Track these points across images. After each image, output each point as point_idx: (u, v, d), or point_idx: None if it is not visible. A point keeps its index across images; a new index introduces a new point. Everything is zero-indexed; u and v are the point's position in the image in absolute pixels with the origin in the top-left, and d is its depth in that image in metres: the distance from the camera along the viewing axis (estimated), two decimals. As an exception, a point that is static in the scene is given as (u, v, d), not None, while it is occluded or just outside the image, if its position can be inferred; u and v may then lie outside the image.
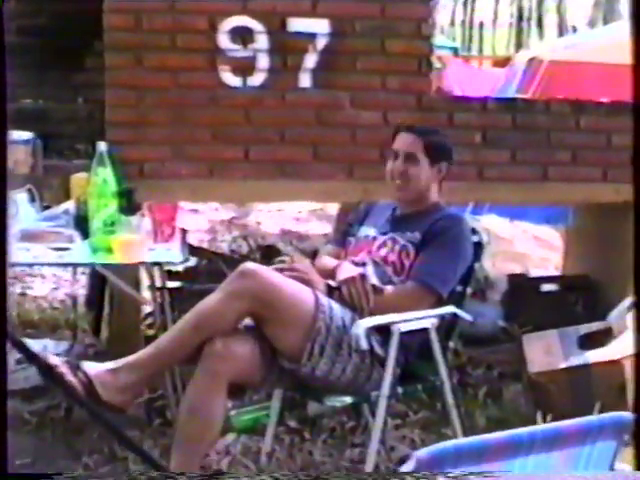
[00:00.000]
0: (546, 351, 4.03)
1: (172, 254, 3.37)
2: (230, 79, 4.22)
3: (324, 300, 3.11)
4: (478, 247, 3.43)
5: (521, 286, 4.93)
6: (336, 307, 3.12)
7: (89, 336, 4.77)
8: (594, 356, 3.94)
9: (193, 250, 4.83)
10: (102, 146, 3.42)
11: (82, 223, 3.55)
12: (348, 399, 3.21)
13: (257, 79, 4.24)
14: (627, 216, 4.54)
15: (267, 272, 3.09)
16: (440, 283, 3.24)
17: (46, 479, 2.81)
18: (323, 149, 4.33)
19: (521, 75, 8.77)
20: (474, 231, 3.46)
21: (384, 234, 3.39)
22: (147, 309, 4.62)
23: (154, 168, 4.21)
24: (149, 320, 4.70)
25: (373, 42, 4.30)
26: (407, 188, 3.39)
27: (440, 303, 3.26)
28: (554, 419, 3.87)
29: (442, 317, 3.23)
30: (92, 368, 3.00)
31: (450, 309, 3.26)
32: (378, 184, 4.15)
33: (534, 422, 3.95)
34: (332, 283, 3.23)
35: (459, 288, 3.36)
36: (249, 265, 3.09)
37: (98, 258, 3.35)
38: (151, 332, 4.48)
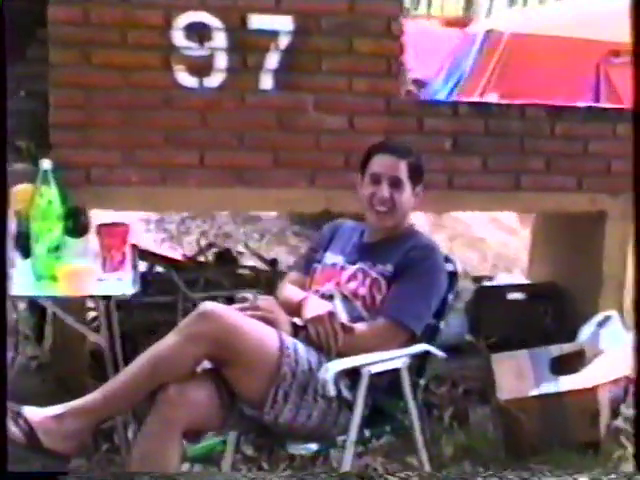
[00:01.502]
0: (517, 375, 3.86)
1: (123, 285, 3.10)
2: (185, 79, 4.00)
3: (289, 343, 2.87)
4: (452, 277, 3.21)
5: (487, 294, 4.75)
6: (302, 349, 2.89)
7: (31, 344, 4.50)
8: (567, 383, 3.78)
9: (143, 255, 4.57)
10: (46, 163, 3.12)
11: (23, 242, 3.26)
12: (314, 446, 3.00)
13: (215, 79, 4.02)
14: (601, 227, 4.44)
15: (227, 313, 2.85)
16: (413, 320, 3.03)
17: (46, 478, 2.75)
18: (284, 155, 4.12)
19: (478, 47, 8.55)
20: (447, 259, 3.23)
21: (352, 263, 3.15)
22: (92, 313, 4.38)
23: (102, 174, 3.97)
24: (94, 324, 4.46)
25: (340, 41, 4.09)
26: (392, 216, 3.14)
27: (413, 339, 3.05)
28: (523, 448, 3.73)
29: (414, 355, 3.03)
30: (35, 414, 2.76)
31: (423, 347, 3.07)
32: (341, 193, 3.98)
33: (502, 449, 3.81)
34: (298, 321, 2.99)
35: (433, 322, 3.14)
36: (208, 305, 2.84)
37: (41, 287, 3.08)
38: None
